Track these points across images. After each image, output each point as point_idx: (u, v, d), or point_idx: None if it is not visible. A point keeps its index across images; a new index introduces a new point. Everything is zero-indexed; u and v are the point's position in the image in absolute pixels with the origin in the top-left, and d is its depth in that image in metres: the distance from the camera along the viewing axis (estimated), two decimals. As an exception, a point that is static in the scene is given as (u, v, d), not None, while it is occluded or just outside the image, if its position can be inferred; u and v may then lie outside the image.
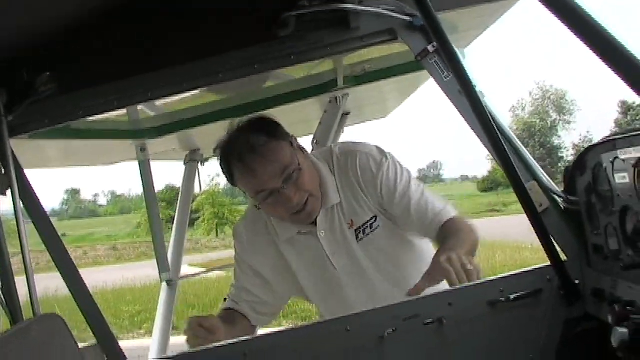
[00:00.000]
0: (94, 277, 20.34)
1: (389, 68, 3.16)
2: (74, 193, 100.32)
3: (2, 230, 2.22)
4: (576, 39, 1.42)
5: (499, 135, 1.93)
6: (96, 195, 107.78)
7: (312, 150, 3.68)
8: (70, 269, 2.18)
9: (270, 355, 2.13)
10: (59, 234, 2.33)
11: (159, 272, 4.45)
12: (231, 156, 2.30)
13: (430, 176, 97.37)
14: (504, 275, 2.19)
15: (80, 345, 2.08)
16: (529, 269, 2.17)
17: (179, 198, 5.10)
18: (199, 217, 42.01)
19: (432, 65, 2.09)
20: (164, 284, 4.50)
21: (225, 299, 2.58)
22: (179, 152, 5.05)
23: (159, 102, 3.55)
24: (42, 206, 2.23)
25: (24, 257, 2.15)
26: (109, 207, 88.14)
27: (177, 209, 5.01)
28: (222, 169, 2.38)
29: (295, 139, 2.41)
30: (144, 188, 4.37)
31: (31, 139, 2.47)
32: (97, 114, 2.32)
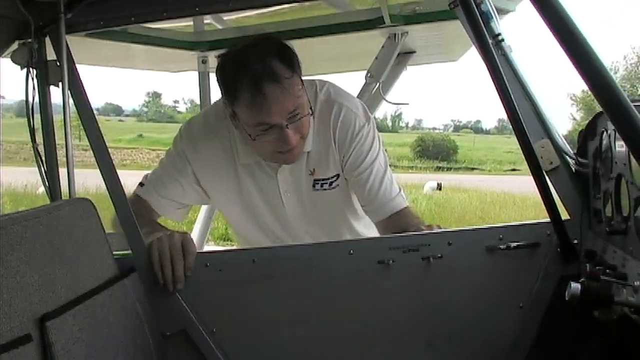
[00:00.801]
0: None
1: (439, 12, 3.17)
2: (155, 97, 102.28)
3: (52, 119, 2.42)
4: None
5: (509, 89, 1.99)
6: (176, 101, 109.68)
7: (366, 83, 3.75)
8: (105, 158, 2.32)
9: (277, 264, 2.28)
10: (104, 137, 2.46)
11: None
12: (246, 74, 2.13)
13: (509, 128, 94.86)
14: (505, 224, 2.28)
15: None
16: (531, 222, 2.25)
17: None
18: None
19: (461, 14, 2.13)
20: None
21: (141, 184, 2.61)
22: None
23: (226, 17, 3.68)
24: (89, 102, 2.38)
25: (66, 145, 2.35)
26: (187, 114, 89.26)
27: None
28: (222, 80, 2.25)
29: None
30: (200, 98, 4.53)
31: (88, 37, 2.64)
32: (147, 22, 2.47)
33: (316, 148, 2.40)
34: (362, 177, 2.40)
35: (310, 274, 2.27)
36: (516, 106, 2.01)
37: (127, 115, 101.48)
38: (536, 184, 2.06)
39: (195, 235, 4.54)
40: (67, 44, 2.36)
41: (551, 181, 2.11)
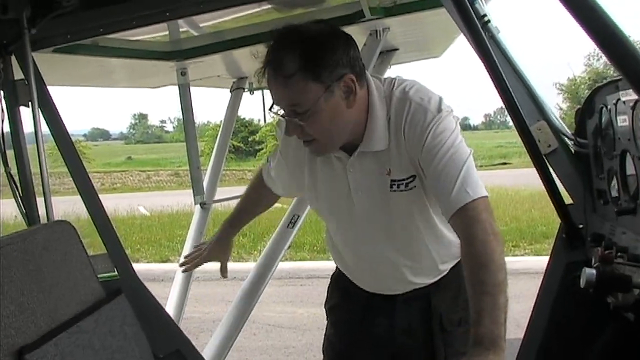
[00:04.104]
0: (152, 201, 20.91)
1: (419, 1, 3.08)
2: (142, 118, 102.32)
3: (24, 139, 2.32)
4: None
5: (502, 73, 1.90)
6: (163, 121, 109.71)
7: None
8: (83, 178, 2.25)
9: None
10: (80, 157, 2.39)
11: (193, 195, 4.57)
12: (266, 58, 2.11)
13: (497, 122, 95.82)
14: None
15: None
16: None
17: (222, 125, 5.17)
18: (262, 148, 42.47)
19: None
20: (197, 207, 4.61)
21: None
22: (226, 79, 5.07)
23: (202, 23, 3.58)
24: (62, 121, 2.31)
25: (40, 167, 2.25)
26: (175, 134, 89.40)
27: (219, 135, 5.08)
28: None
29: (353, 79, 2.12)
30: (182, 112, 4.44)
31: (58, 54, 2.54)
32: (116, 32, 2.38)
33: (392, 148, 2.26)
34: (439, 167, 2.18)
35: None
36: (510, 89, 1.92)
37: (114, 139, 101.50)
38: (536, 169, 1.97)
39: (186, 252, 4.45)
40: (34, 62, 2.27)
41: (551, 165, 2.02)
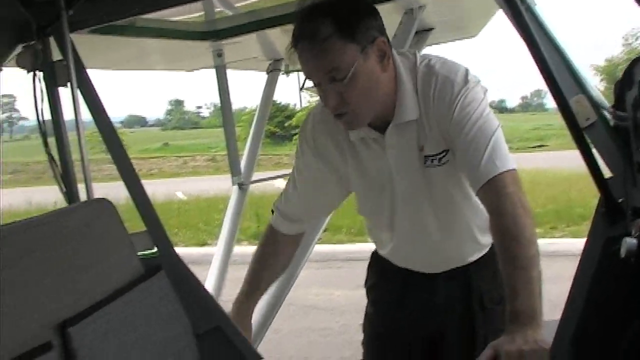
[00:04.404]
0: (190, 186, 21.08)
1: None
2: (178, 104, 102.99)
3: (63, 119, 2.35)
4: None
5: (540, 46, 1.87)
6: (199, 107, 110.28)
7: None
8: (123, 158, 2.27)
9: None
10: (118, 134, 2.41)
11: (231, 176, 4.58)
12: (294, 32, 2.11)
13: (533, 104, 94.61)
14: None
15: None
16: None
17: (258, 106, 5.18)
18: (298, 133, 42.46)
19: None
20: (235, 187, 4.62)
21: (272, 211, 2.52)
22: (262, 62, 5.08)
23: (237, 3, 3.58)
24: (100, 100, 2.32)
25: (80, 146, 2.28)
26: (211, 119, 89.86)
27: (256, 116, 5.11)
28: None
29: (385, 41, 2.12)
30: (219, 94, 4.46)
31: (94, 35, 2.56)
32: (151, 11, 2.38)
33: (423, 122, 2.24)
34: (464, 143, 2.18)
35: None
36: (548, 62, 1.88)
37: (151, 125, 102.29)
38: (575, 143, 1.93)
39: (223, 235, 4.47)
40: (72, 43, 2.29)
41: (590, 138, 1.98)
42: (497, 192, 2.11)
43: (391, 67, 2.19)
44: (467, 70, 2.24)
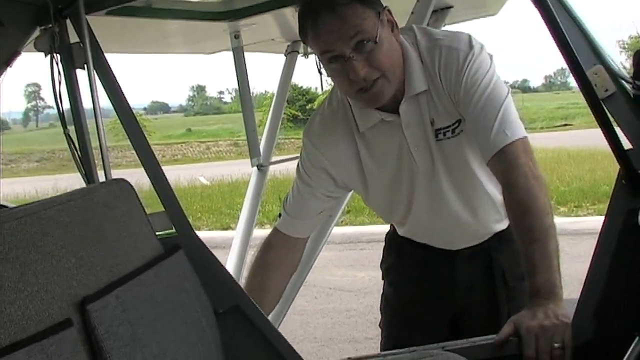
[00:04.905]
0: (213, 171, 21.17)
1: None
2: (200, 90, 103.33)
3: (81, 103, 2.37)
4: None
5: (556, 16, 1.84)
6: (221, 92, 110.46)
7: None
8: (140, 139, 2.28)
9: None
10: (135, 117, 2.42)
11: (250, 158, 4.58)
12: (309, 9, 2.08)
13: (557, 83, 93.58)
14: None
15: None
16: None
17: (277, 88, 5.16)
18: (320, 116, 42.42)
19: None
20: (255, 169, 4.62)
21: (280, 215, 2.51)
22: (281, 44, 5.06)
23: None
24: (117, 82, 2.33)
25: (97, 128, 2.30)
26: (233, 104, 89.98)
27: (274, 98, 5.09)
28: (298, 20, 2.15)
29: (390, 12, 2.15)
30: (237, 76, 4.45)
31: (112, 16, 2.56)
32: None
33: (432, 95, 2.23)
34: (474, 113, 2.16)
35: None
36: (565, 34, 1.85)
37: (174, 112, 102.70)
38: (593, 114, 1.91)
39: (243, 217, 4.48)
40: (88, 25, 2.30)
41: (609, 110, 1.95)
42: (508, 163, 2.08)
43: (398, 39, 2.19)
44: (469, 37, 2.22)
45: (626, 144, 1.99)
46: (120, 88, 2.34)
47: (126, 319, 1.70)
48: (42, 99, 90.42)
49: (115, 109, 2.32)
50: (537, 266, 1.94)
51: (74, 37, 2.36)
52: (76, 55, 2.32)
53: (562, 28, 1.85)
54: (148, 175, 2.28)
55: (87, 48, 2.27)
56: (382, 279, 2.78)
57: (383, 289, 2.78)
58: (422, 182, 2.35)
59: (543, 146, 21.28)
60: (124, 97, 2.35)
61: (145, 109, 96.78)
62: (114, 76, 2.34)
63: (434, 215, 2.40)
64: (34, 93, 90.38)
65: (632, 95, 2.00)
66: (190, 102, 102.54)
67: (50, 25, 2.31)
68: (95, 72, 2.31)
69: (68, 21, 2.34)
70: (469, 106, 2.16)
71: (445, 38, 2.24)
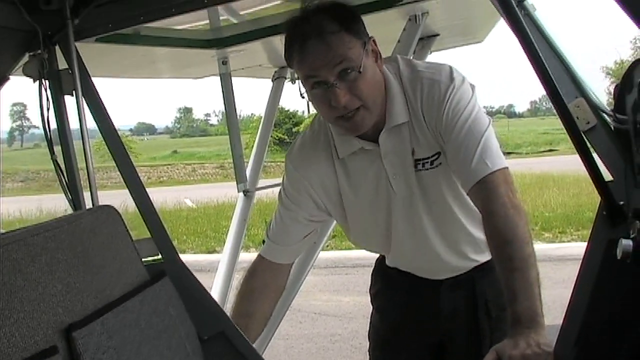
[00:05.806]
0: (198, 193, 21.14)
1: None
2: (187, 112, 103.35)
3: (69, 127, 2.38)
4: None
5: (538, 50, 1.87)
6: (207, 114, 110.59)
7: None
8: (127, 165, 2.29)
9: None
10: (123, 143, 2.43)
11: (237, 183, 4.59)
12: (297, 33, 2.10)
13: (543, 108, 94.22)
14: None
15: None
16: None
17: (264, 113, 5.19)
18: (305, 139, 42.63)
19: None
20: (241, 194, 4.63)
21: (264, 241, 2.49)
22: (268, 69, 5.09)
23: (242, 11, 3.60)
24: (105, 109, 2.35)
25: (85, 154, 2.31)
26: (220, 127, 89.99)
27: (261, 123, 5.12)
28: (285, 44, 2.16)
29: (374, 42, 2.17)
30: (224, 102, 4.48)
31: (100, 44, 2.58)
32: (156, 20, 2.41)
33: (414, 127, 2.25)
34: (455, 144, 2.17)
35: None
36: (546, 67, 1.89)
37: (160, 133, 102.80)
38: (575, 147, 1.94)
39: (229, 242, 4.49)
40: (77, 51, 2.32)
41: (590, 142, 1.98)
42: (488, 192, 2.10)
43: (382, 69, 2.22)
44: (451, 69, 2.24)
45: (607, 176, 2.03)
46: (108, 114, 2.36)
47: (111, 345, 1.71)
48: (28, 119, 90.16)
49: (102, 135, 2.34)
50: (518, 294, 1.95)
51: (62, 63, 2.38)
52: (65, 81, 2.34)
53: (543, 61, 1.89)
54: (135, 201, 2.29)
55: (75, 76, 2.29)
56: (371, 303, 2.79)
57: (371, 315, 2.79)
58: (399, 209, 2.36)
59: (529, 171, 21.46)
60: (112, 123, 2.36)
61: (131, 130, 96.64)
62: (102, 102, 2.36)
63: (415, 246, 2.41)
64: (19, 113, 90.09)
65: (612, 128, 2.04)
66: (176, 124, 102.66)
67: (39, 52, 2.33)
68: (83, 98, 2.32)
69: (57, 47, 2.36)
70: (450, 137, 2.17)
71: (427, 70, 2.26)
